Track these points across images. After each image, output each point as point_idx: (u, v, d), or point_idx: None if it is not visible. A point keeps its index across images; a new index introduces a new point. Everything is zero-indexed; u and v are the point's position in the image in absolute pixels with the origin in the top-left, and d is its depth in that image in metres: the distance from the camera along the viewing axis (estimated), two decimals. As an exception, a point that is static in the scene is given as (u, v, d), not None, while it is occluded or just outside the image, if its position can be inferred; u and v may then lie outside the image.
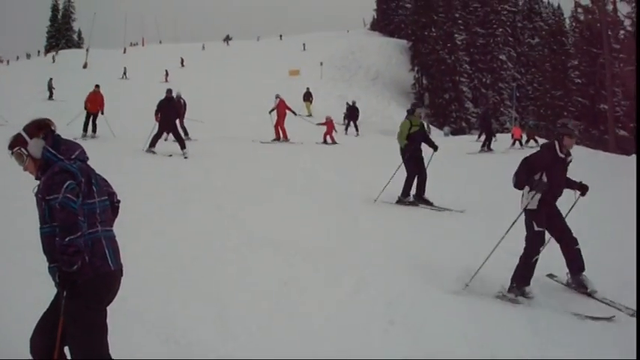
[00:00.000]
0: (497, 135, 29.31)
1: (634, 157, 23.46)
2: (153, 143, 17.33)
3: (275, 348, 5.47)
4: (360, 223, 10.44)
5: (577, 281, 7.46)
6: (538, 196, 7.11)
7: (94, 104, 20.88)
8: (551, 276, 7.95)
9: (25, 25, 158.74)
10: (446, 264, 8.15)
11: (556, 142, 7.26)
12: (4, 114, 24.85)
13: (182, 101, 22.35)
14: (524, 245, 7.22)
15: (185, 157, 16.67)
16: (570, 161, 7.41)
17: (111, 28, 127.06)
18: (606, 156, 26.06)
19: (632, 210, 10.48)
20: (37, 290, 4.76)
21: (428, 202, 12.54)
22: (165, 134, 18.22)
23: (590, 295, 7.23)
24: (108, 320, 3.99)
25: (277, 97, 23.89)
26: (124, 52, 78.99)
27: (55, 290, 3.94)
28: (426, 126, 38.89)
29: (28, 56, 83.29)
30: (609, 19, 44.82)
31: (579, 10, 54.05)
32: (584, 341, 5.91)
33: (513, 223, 7.38)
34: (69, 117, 22.11)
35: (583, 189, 7.55)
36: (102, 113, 20.96)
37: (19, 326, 4.48)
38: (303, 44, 73.55)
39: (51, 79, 41.70)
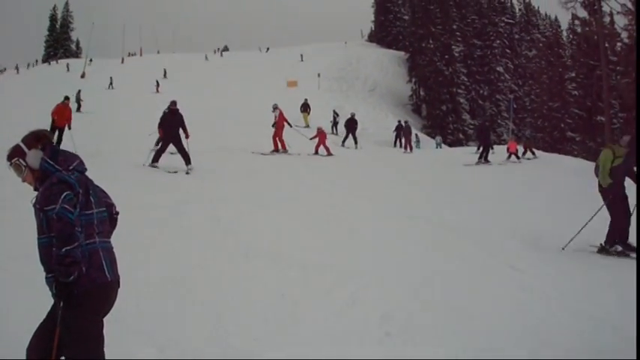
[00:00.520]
0: (495, 147, 29.27)
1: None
2: (156, 158, 16.33)
3: (270, 358, 5.47)
4: (356, 236, 10.42)
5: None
6: None
7: (62, 118, 19.38)
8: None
9: (22, 35, 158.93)
10: (442, 276, 8.17)
11: None
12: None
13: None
14: None
15: (187, 173, 15.71)
16: None
17: (109, 39, 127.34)
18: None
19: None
20: (34, 300, 4.75)
21: (632, 248, 10.03)
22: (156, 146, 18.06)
23: None
24: (104, 331, 3.99)
25: (276, 107, 23.33)
26: (122, 62, 79.12)
27: (52, 301, 3.94)
28: (414, 137, 38.62)
29: (29, 66, 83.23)
30: (606, 32, 44.96)
31: (576, 22, 54.20)
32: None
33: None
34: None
35: None
36: (69, 128, 19.40)
37: (16, 336, 4.48)
38: (301, 55, 73.67)
39: (79, 90, 40.85)
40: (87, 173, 4.15)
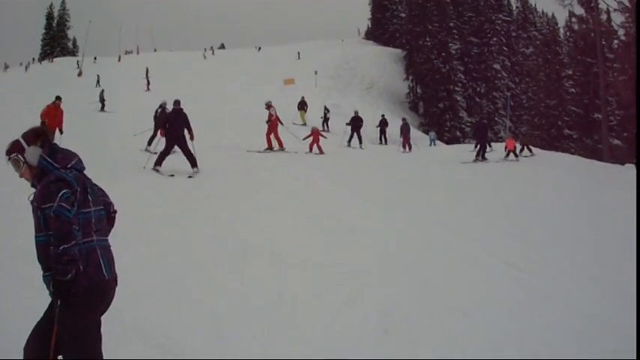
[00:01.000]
0: (493, 145, 29.22)
1: (628, 166, 23.61)
2: (159, 161, 15.34)
3: (270, 357, 5.46)
4: (355, 235, 10.41)
5: None
6: None
7: (54, 120, 17.59)
8: None
9: (17, 33, 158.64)
10: (441, 275, 8.17)
11: None
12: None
13: (167, 111, 19.84)
14: None
15: (190, 177, 14.83)
16: None
17: (106, 37, 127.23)
18: (600, 165, 26.16)
19: (628, 216, 10.55)
20: (31, 299, 4.74)
21: None
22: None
23: None
24: (102, 329, 3.99)
25: (270, 105, 22.86)
26: (119, 60, 79.07)
27: (49, 299, 3.93)
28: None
29: (28, 64, 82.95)
30: (603, 29, 45.07)
31: (573, 19, 54.30)
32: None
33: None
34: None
35: None
36: (60, 132, 17.47)
37: (13, 335, 4.46)
38: (298, 53, 73.68)
39: (103, 90, 40.32)
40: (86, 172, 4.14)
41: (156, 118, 20.21)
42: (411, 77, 72.28)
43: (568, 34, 65.23)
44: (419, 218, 12.19)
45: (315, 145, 23.89)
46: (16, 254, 7.14)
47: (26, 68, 75.17)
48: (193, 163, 15.34)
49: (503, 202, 14.78)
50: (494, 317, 6.63)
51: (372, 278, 7.81)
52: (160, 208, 11.33)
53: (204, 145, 19.55)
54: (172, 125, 15.70)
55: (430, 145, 40.82)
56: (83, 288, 3.78)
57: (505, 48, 79.98)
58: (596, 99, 49.44)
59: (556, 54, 62.27)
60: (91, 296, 3.85)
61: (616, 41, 48.14)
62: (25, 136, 4.04)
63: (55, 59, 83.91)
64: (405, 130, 31.76)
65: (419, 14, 72.06)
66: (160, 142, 16.54)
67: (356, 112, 31.76)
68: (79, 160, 4.11)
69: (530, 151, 27.52)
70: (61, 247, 3.62)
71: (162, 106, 20.27)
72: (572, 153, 39.95)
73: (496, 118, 71.83)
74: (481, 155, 24.54)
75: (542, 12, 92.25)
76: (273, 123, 22.29)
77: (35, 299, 4.37)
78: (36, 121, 16.40)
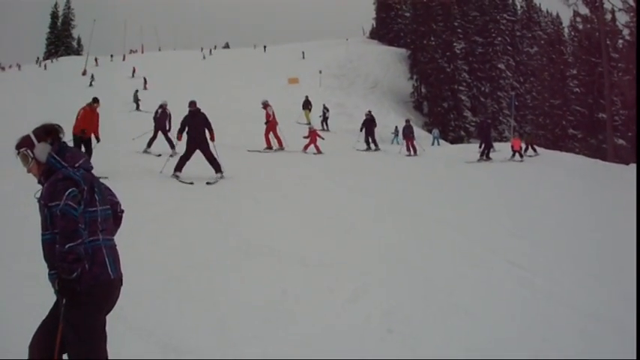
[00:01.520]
0: (498, 144, 29.17)
1: (632, 166, 23.58)
2: (179, 167, 14.46)
3: (272, 355, 5.47)
4: (358, 233, 10.41)
5: None
6: None
7: (90, 126, 14.94)
8: None
9: (22, 32, 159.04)
10: (444, 274, 8.18)
11: None
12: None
13: (167, 112, 19.87)
14: None
15: (208, 183, 13.96)
16: None
17: (111, 36, 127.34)
18: (605, 165, 26.14)
19: (631, 216, 10.55)
20: (36, 297, 4.77)
21: None
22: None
23: None
24: (107, 328, 3.99)
25: (267, 104, 22.57)
26: (124, 59, 79.16)
27: (54, 298, 3.95)
28: (394, 129, 34.48)
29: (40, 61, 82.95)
30: (608, 29, 44.96)
31: (578, 19, 54.08)
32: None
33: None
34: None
35: None
36: (97, 140, 15.33)
37: (18, 333, 4.48)
38: (302, 52, 73.68)
39: (137, 90, 40.54)
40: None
41: (155, 119, 19.92)
42: (415, 77, 72.37)
43: (572, 33, 65.20)
44: (422, 217, 12.19)
45: (310, 145, 23.66)
46: (21, 252, 7.16)
47: (45, 66, 75.09)
48: (217, 167, 14.58)
49: (506, 201, 14.77)
50: (497, 316, 6.64)
51: (374, 277, 7.81)
52: (163, 206, 11.35)
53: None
54: (192, 128, 14.78)
55: (433, 143, 40.40)
56: (88, 287, 3.78)
57: (509, 47, 79.96)
58: (601, 98, 49.39)
59: (560, 53, 62.26)
60: (96, 295, 3.86)
61: (621, 41, 48.13)
62: (35, 131, 4.04)
63: (59, 58, 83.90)
64: (408, 133, 28.34)
65: (423, 14, 72.19)
66: (158, 143, 16.34)
67: (368, 113, 28.74)
68: (87, 160, 4.13)
69: (534, 150, 27.51)
70: (66, 246, 3.62)
71: (163, 107, 19.94)
72: (577, 152, 39.95)
73: (500, 118, 71.89)
74: (485, 155, 24.51)
75: (547, 11, 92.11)
76: (271, 122, 22.19)
77: (41, 298, 4.39)
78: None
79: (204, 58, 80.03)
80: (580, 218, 12.67)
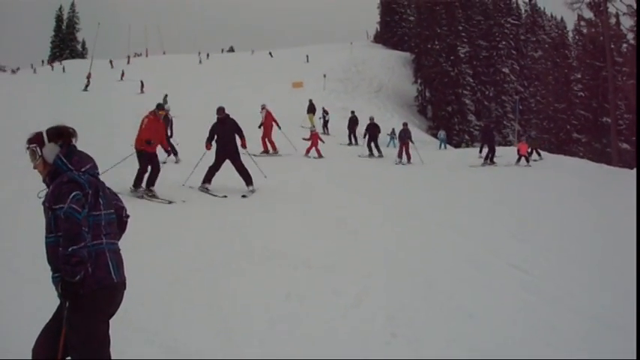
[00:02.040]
0: (502, 149, 29.09)
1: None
2: (207, 178, 13.66)
3: (276, 359, 5.48)
4: (361, 237, 10.41)
5: None
6: None
7: (155, 135, 12.88)
8: None
9: (26, 35, 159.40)
10: (447, 278, 8.19)
11: None
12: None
13: (169, 117, 19.12)
14: None
15: (244, 196, 13.19)
16: None
17: (115, 39, 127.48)
18: (609, 169, 26.09)
19: (634, 220, 10.56)
20: (39, 300, 4.78)
21: None
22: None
23: None
24: (110, 331, 4.00)
25: (264, 108, 22.80)
26: (128, 62, 79.22)
27: (58, 301, 3.96)
28: (390, 131, 33.64)
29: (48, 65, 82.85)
30: (612, 33, 44.97)
31: (582, 23, 54.21)
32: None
33: None
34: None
35: None
36: (167, 152, 15.17)
37: (21, 336, 4.49)
38: (307, 56, 73.65)
39: (166, 95, 39.31)
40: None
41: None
42: (419, 80, 72.37)
43: (577, 37, 65.24)
44: (424, 220, 12.20)
45: (312, 148, 23.65)
46: (25, 255, 7.18)
47: (63, 69, 74.97)
48: (248, 180, 13.76)
49: (509, 204, 14.78)
50: (500, 319, 6.64)
51: (378, 280, 7.82)
52: (166, 210, 11.37)
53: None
54: (220, 137, 13.86)
55: (440, 147, 40.06)
56: (91, 290, 3.80)
57: (514, 51, 79.81)
58: (605, 103, 49.39)
59: (565, 57, 62.25)
60: (99, 298, 3.87)
61: (625, 45, 48.12)
62: (48, 131, 4.07)
63: (63, 62, 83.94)
64: (405, 137, 25.64)
65: (428, 17, 72.18)
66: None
67: (371, 119, 28.11)
68: (94, 165, 4.13)
69: (538, 154, 27.48)
70: (70, 249, 3.64)
71: (167, 110, 18.51)
72: (581, 157, 39.81)
73: (505, 122, 71.78)
74: (490, 159, 24.47)
75: (551, 15, 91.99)
76: (265, 126, 22.31)
77: (44, 301, 4.40)
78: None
79: (200, 62, 79.79)
80: (583, 222, 12.67)
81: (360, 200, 13.84)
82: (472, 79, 72.77)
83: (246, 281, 7.53)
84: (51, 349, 3.87)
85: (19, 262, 7.32)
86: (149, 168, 12.51)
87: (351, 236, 10.35)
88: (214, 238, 9.51)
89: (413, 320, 6.51)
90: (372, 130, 26.84)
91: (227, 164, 13.81)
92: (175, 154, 17.90)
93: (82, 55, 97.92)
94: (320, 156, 23.27)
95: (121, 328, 4.36)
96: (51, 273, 3.89)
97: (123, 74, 61.49)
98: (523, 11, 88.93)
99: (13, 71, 73.18)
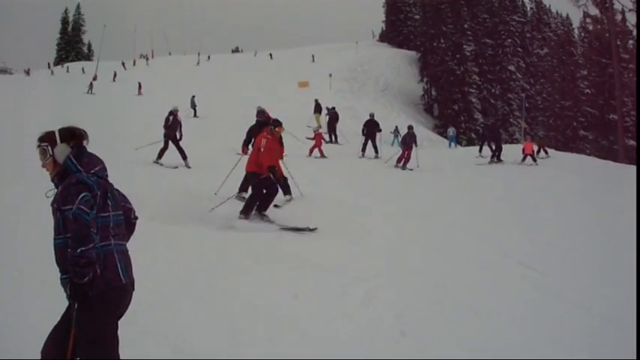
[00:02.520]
0: (505, 146, 28.98)
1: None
2: (243, 187, 12.73)
3: (285, 359, 5.49)
4: (369, 237, 10.41)
5: None
6: None
7: (275, 157, 11.86)
8: None
9: (32, 38, 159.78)
10: (455, 276, 8.18)
11: None
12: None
13: (178, 119, 18.43)
14: None
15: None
16: None
17: (121, 41, 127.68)
18: (616, 166, 26.03)
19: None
20: (48, 301, 4.79)
21: None
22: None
23: None
24: (119, 332, 4.01)
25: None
26: (134, 64, 79.39)
27: (67, 302, 3.96)
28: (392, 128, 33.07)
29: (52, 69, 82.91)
30: (618, 29, 44.88)
31: (588, 20, 54.11)
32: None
33: None
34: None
35: None
36: (283, 179, 13.05)
37: (30, 338, 4.50)
38: (312, 56, 73.68)
39: (193, 96, 39.66)
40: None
41: (167, 126, 18.17)
42: (425, 79, 72.36)
43: (583, 34, 65.17)
44: (431, 219, 12.21)
45: (315, 148, 23.62)
46: (34, 257, 7.18)
47: (83, 70, 74.90)
48: (287, 189, 12.99)
49: (516, 202, 14.75)
50: (508, 317, 6.62)
51: (386, 280, 7.81)
52: (175, 210, 11.37)
53: (214, 149, 19.32)
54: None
55: (450, 145, 39.83)
56: (100, 291, 3.79)
57: (520, 49, 79.69)
58: (612, 100, 49.28)
59: (571, 55, 62.15)
60: (107, 300, 3.86)
61: (631, 41, 47.95)
62: (61, 131, 4.07)
63: (69, 64, 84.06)
64: (409, 141, 23.09)
65: (433, 16, 72.11)
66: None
67: (371, 116, 26.03)
68: (104, 168, 4.13)
69: (545, 152, 27.43)
70: (78, 250, 3.63)
71: (174, 113, 18.43)
72: (588, 154, 39.80)
73: (511, 120, 71.66)
74: (497, 157, 24.45)
75: (557, 13, 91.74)
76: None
77: (53, 302, 4.39)
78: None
79: (197, 64, 79.65)
80: (590, 219, 12.64)
81: (365, 199, 13.84)
82: (478, 77, 72.69)
83: (253, 282, 7.52)
84: (60, 350, 3.86)
85: (29, 264, 7.33)
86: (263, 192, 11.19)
87: (357, 235, 10.34)
88: (220, 238, 9.54)
89: (422, 319, 6.50)
90: (371, 127, 24.92)
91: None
92: (185, 157, 17.80)
93: (88, 57, 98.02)
94: (322, 156, 23.25)
95: (129, 328, 4.37)
96: (59, 274, 3.88)
97: (115, 75, 61.54)
98: (528, 9, 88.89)
99: (27, 73, 73.24)
